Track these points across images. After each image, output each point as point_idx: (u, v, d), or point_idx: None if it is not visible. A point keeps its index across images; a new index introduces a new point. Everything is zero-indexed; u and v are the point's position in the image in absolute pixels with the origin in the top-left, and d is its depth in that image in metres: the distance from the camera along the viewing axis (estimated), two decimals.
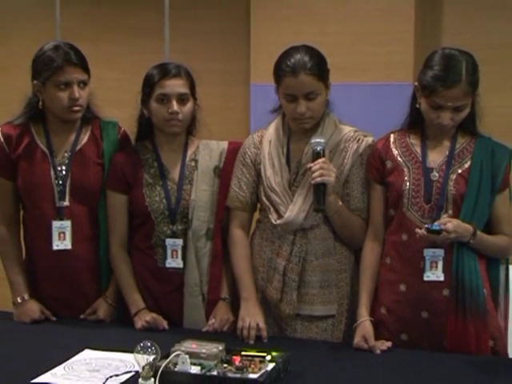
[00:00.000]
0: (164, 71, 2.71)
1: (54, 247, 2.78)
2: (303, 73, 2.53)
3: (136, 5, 4.70)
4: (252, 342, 2.53)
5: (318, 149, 2.53)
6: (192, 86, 2.76)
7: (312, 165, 2.51)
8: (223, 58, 4.57)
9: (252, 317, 2.58)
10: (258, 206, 2.77)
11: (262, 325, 2.57)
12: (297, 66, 2.54)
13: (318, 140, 2.55)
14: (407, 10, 4.05)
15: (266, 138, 2.70)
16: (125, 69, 4.54)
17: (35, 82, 2.78)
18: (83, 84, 2.76)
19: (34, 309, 2.82)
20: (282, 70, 2.57)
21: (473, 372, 2.29)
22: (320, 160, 2.51)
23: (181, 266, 2.72)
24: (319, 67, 2.57)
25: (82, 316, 2.83)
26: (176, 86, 2.70)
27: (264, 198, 2.67)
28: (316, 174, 2.49)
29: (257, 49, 4.21)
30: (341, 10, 4.18)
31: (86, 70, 2.78)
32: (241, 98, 4.43)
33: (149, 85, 2.72)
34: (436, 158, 2.54)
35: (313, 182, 2.50)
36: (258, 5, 4.31)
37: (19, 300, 2.84)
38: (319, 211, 2.54)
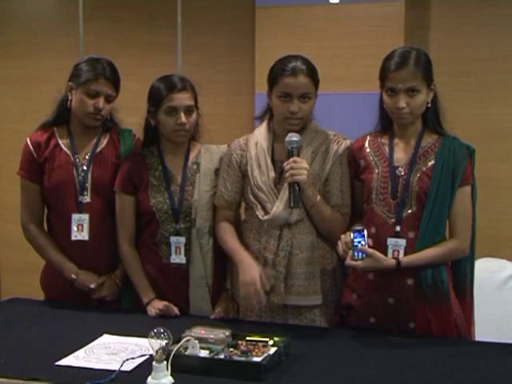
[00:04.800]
0: (171, 85, 2.66)
1: (73, 237, 2.77)
2: (302, 74, 2.52)
3: (152, 22, 4.70)
4: (262, 304, 2.46)
5: (290, 148, 2.50)
6: (195, 97, 2.72)
7: (284, 165, 2.49)
8: (230, 70, 4.57)
9: (252, 283, 2.45)
10: (243, 205, 2.72)
11: (263, 280, 2.44)
12: (297, 68, 2.52)
13: (291, 139, 2.51)
14: (397, 27, 4.06)
15: (252, 141, 2.66)
16: (141, 80, 4.46)
17: (70, 83, 2.77)
18: (110, 98, 2.75)
19: (89, 279, 2.78)
20: (281, 70, 2.54)
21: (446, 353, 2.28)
22: (291, 159, 2.48)
23: (183, 261, 2.69)
24: (314, 74, 2.57)
25: (92, 285, 2.77)
26: (183, 99, 2.66)
27: (251, 196, 2.62)
28: (287, 174, 2.46)
29: (261, 61, 4.20)
30: (338, 27, 4.18)
31: (116, 88, 2.77)
32: (246, 106, 4.42)
33: (157, 98, 2.67)
34: (402, 156, 2.51)
35: (286, 181, 2.48)
36: (262, 22, 4.31)
37: (73, 276, 2.78)
38: (294, 208, 2.50)
